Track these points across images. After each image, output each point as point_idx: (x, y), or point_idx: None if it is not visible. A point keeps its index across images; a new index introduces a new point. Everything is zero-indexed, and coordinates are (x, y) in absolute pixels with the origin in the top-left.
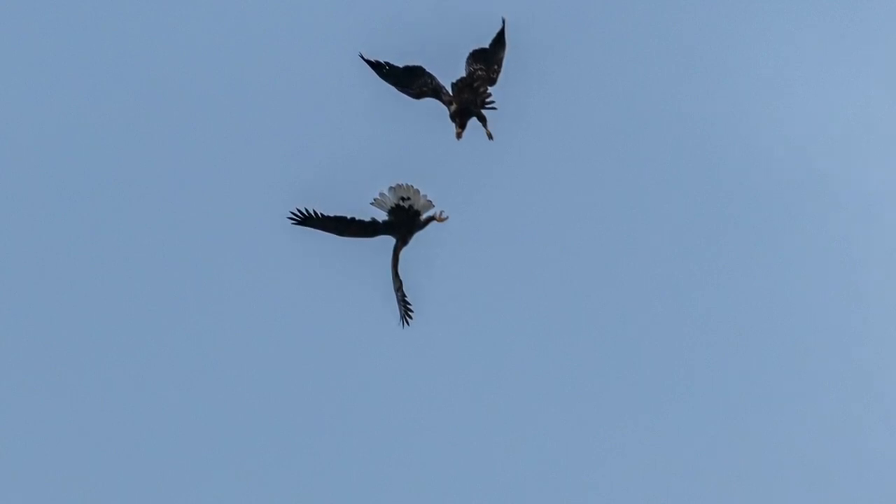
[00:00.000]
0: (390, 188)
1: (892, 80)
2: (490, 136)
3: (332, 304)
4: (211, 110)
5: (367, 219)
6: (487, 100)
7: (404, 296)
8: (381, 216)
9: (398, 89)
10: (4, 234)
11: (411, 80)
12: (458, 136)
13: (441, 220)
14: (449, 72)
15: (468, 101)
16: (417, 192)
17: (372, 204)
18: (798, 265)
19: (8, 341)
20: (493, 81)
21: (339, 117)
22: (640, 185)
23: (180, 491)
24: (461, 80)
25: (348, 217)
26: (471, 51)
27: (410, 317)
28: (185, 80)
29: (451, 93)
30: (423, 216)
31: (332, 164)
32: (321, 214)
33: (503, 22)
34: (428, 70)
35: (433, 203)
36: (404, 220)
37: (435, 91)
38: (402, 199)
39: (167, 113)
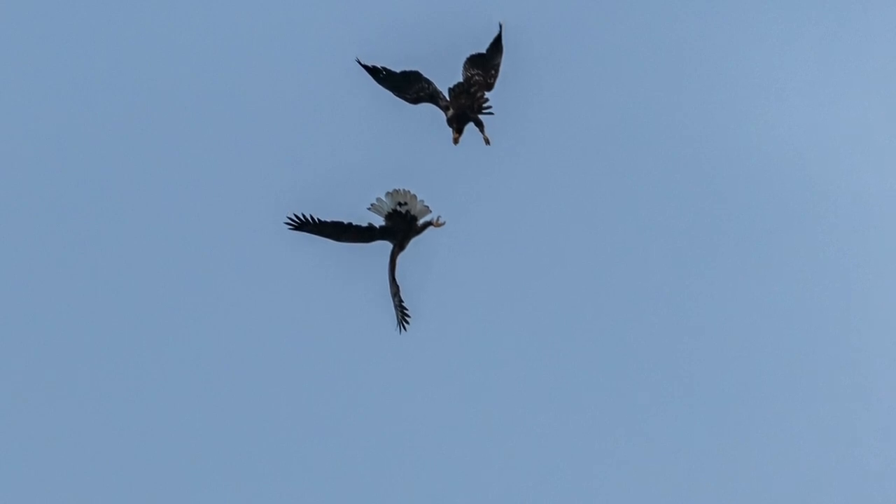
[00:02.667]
0: (387, 193)
1: (887, 85)
2: (487, 142)
3: (330, 309)
4: (207, 114)
5: (365, 224)
6: (484, 105)
7: (401, 301)
8: (378, 221)
9: (395, 94)
10: (2, 235)
11: (408, 86)
12: (455, 141)
13: (438, 225)
14: (446, 77)
15: (465, 107)
16: (414, 197)
17: (369, 209)
18: (793, 270)
19: (7, 342)
20: (490, 86)
21: (336, 122)
22: (637, 191)
23: (179, 495)
24: (458, 85)
25: (345, 222)
26: (468, 56)
27: (407, 322)
28: (181, 83)
29: (447, 98)
30: (420, 221)
31: (329, 170)
32: (318, 220)
33: (500, 27)
34: (425, 75)
35: (430, 208)
36: (401, 226)
37: (432, 96)
38: (399, 204)
39: (163, 117)
